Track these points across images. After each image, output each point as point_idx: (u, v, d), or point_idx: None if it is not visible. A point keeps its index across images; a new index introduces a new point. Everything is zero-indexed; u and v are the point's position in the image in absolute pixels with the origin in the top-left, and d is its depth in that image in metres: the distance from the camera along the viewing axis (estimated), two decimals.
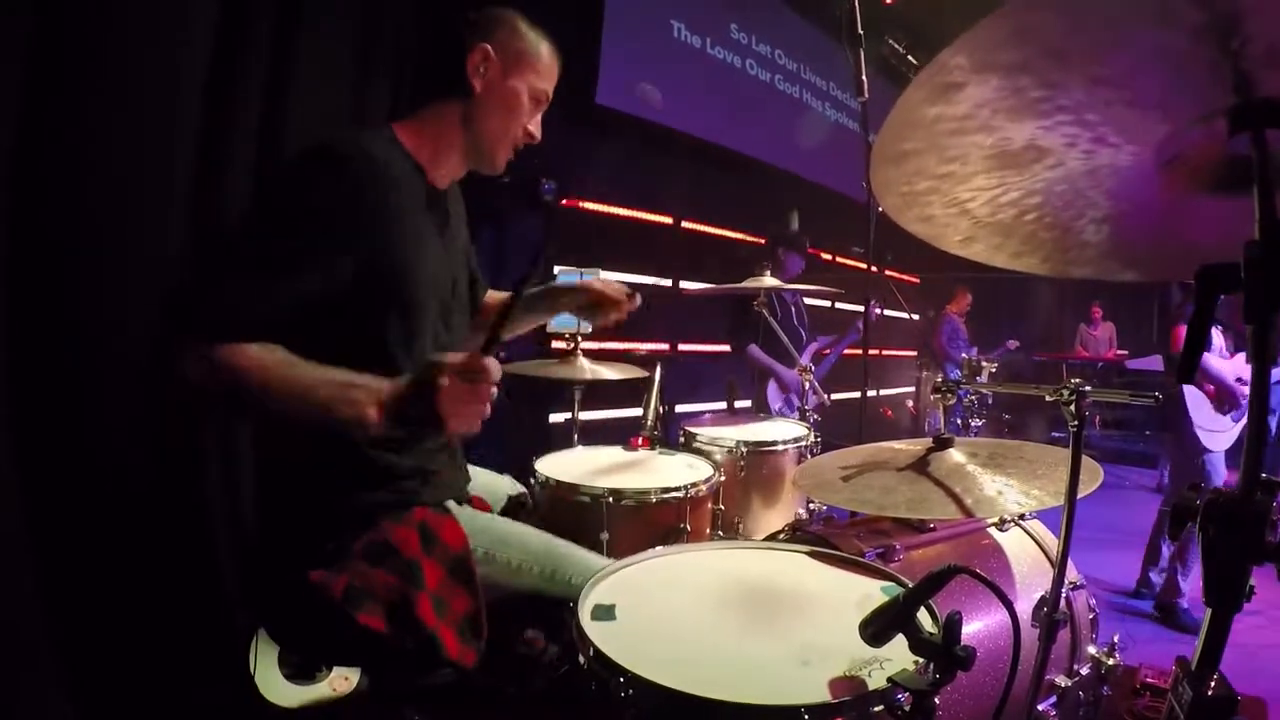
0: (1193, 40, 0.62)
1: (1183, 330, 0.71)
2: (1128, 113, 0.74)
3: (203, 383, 1.18)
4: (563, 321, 2.13)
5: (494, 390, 1.20)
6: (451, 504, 1.45)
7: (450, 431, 1.19)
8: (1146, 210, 0.92)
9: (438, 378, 1.15)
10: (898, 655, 0.95)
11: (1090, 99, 0.73)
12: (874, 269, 3.03)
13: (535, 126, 1.51)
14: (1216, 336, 3.65)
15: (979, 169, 0.89)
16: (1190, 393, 3.54)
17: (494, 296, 1.85)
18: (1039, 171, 0.87)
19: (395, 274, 1.32)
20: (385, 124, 1.44)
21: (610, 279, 1.84)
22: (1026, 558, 1.62)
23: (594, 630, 1.06)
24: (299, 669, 2.00)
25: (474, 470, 1.67)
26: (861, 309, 3.08)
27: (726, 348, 4.26)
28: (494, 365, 1.18)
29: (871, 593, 1.23)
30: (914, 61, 7.24)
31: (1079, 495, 1.19)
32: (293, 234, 1.21)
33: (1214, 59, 0.64)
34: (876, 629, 0.92)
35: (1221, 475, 3.55)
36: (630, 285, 1.79)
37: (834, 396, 2.99)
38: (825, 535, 1.58)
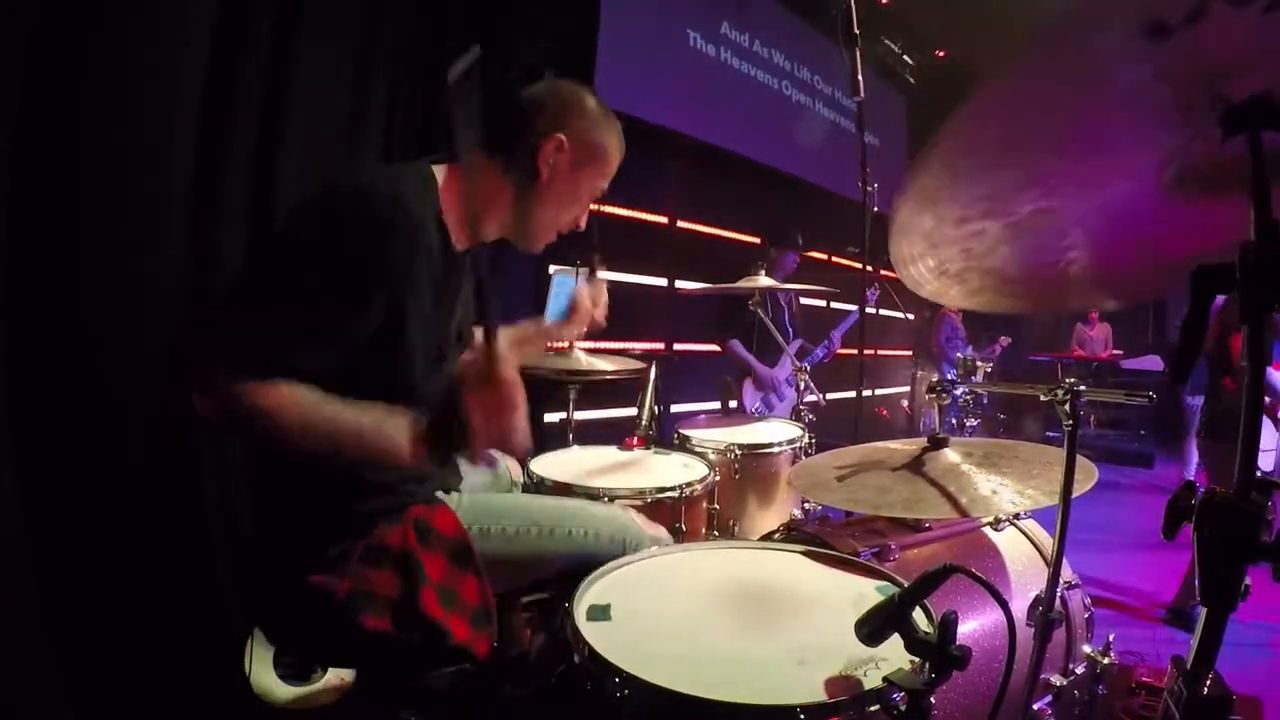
0: (1162, 72, 0.63)
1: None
2: (1134, 135, 0.75)
3: (219, 417, 1.15)
4: (557, 317, 2.13)
5: (520, 396, 1.18)
6: (439, 493, 1.45)
7: (482, 448, 1.19)
8: (1146, 227, 0.92)
9: (461, 393, 1.16)
10: (893, 655, 0.95)
11: (1081, 148, 0.73)
12: (869, 269, 3.03)
13: (584, 218, 1.48)
14: None
15: (999, 241, 0.89)
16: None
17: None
18: (1057, 224, 0.88)
19: (401, 332, 1.27)
20: (427, 164, 1.35)
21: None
22: (1021, 557, 1.62)
23: (589, 630, 1.06)
24: (294, 669, 1.99)
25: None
26: (857, 309, 3.08)
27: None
28: (511, 374, 1.17)
29: (867, 592, 1.23)
30: (910, 62, 7.26)
31: (1074, 495, 1.19)
32: (324, 276, 1.15)
33: (1188, 83, 0.65)
34: (872, 628, 0.92)
35: None
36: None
37: (829, 396, 3.00)
38: (820, 535, 1.58)
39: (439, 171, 1.34)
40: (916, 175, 0.77)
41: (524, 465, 1.96)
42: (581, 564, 1.34)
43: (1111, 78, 0.67)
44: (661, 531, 1.58)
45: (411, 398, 1.31)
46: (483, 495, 1.54)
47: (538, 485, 1.89)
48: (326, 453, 1.18)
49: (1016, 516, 1.71)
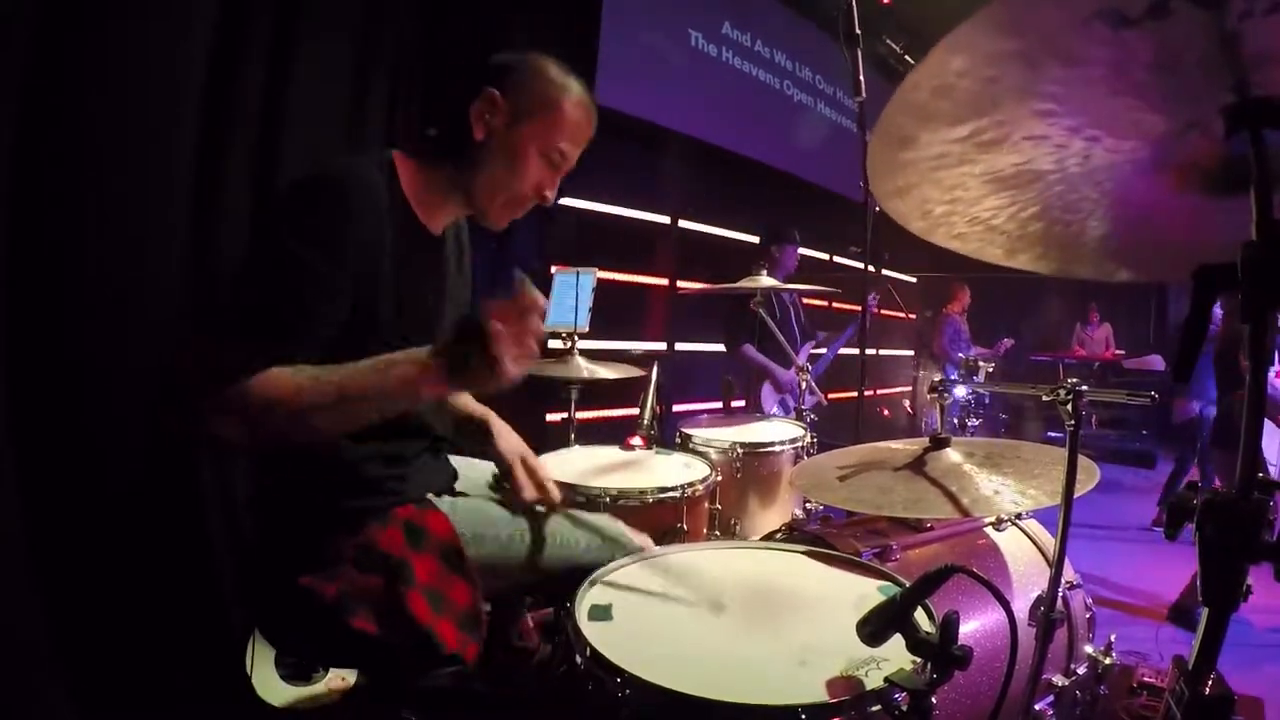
0: (1189, 38, 0.62)
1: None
2: (1123, 111, 0.75)
3: (237, 433, 1.10)
4: (558, 319, 2.14)
5: (540, 325, 1.10)
6: (431, 496, 1.44)
7: (504, 378, 1.08)
8: (1145, 210, 0.92)
9: (488, 327, 1.05)
10: (895, 655, 0.95)
11: (1076, 96, 0.73)
12: (871, 269, 3.03)
13: (551, 190, 1.39)
14: None
15: (984, 192, 0.89)
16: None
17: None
18: (1044, 184, 0.88)
19: (378, 308, 1.26)
20: (385, 150, 1.35)
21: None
22: (1023, 557, 1.62)
23: (591, 630, 1.06)
24: (296, 669, 2.00)
25: (455, 461, 1.65)
26: (859, 309, 3.08)
27: (723, 347, 4.25)
28: (538, 297, 1.09)
29: (868, 592, 1.23)
30: (911, 61, 7.25)
31: (1076, 495, 1.19)
32: (297, 268, 1.14)
33: (1211, 57, 0.65)
34: (874, 629, 0.92)
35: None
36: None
37: (831, 396, 3.00)
38: (822, 535, 1.58)
39: (399, 161, 1.34)
40: (893, 110, 0.76)
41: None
42: (572, 571, 1.34)
43: (1086, 55, 0.67)
44: (647, 541, 1.54)
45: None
46: (476, 500, 1.54)
47: None
48: (339, 423, 1.15)
49: (1018, 517, 1.71)
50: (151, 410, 1.94)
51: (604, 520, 1.54)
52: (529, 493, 1.51)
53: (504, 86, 1.31)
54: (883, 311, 4.56)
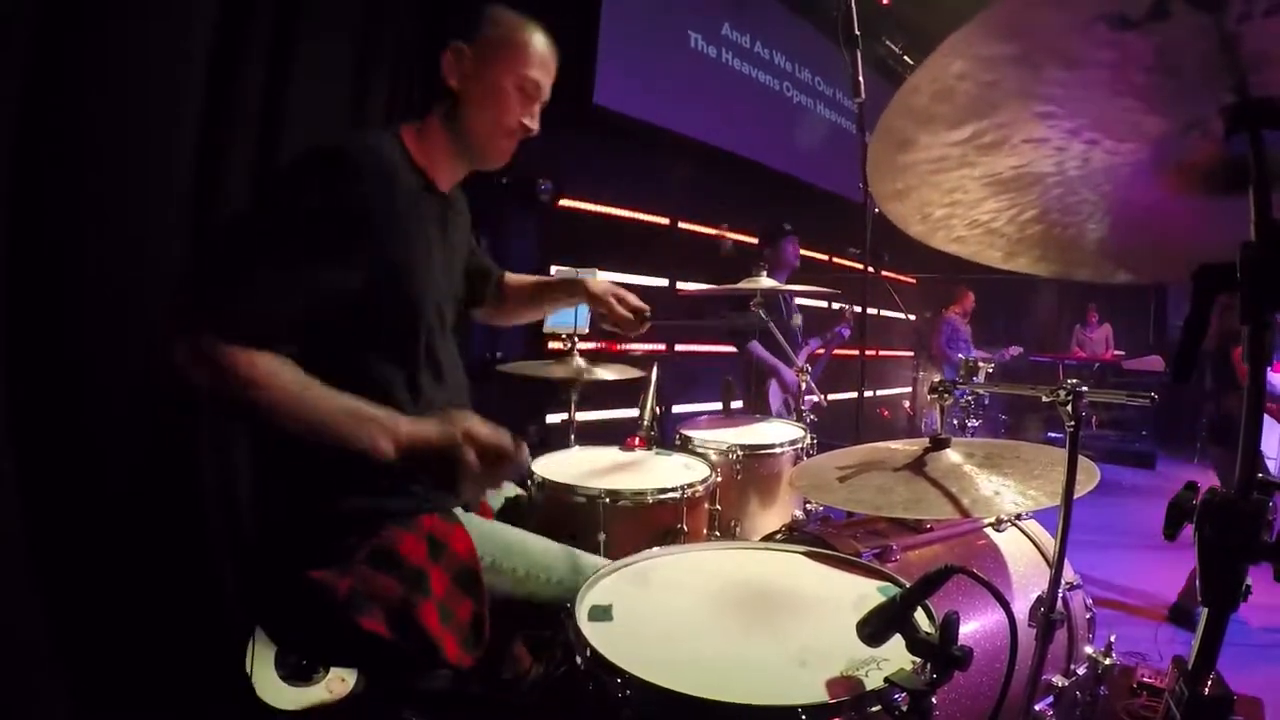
0: (1189, 40, 0.63)
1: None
2: (1122, 113, 0.75)
3: (205, 385, 1.16)
4: (559, 321, 2.14)
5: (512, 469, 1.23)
6: (459, 511, 1.45)
7: (458, 495, 1.24)
8: (1144, 212, 0.92)
9: (463, 452, 1.18)
10: (895, 655, 0.95)
11: (1076, 98, 0.73)
12: (870, 270, 3.03)
13: (532, 119, 1.47)
14: None
15: (983, 195, 0.89)
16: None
17: (515, 280, 1.90)
18: (1043, 187, 0.88)
19: (395, 278, 1.31)
20: (392, 126, 1.43)
21: (609, 280, 1.86)
22: (1023, 558, 1.62)
23: (591, 631, 1.06)
24: (296, 670, 1.99)
25: None
26: (859, 309, 3.08)
27: (723, 348, 4.25)
28: (522, 453, 1.22)
29: (868, 593, 1.23)
30: (910, 62, 7.25)
31: (1076, 495, 1.19)
32: (305, 233, 1.20)
33: (1211, 58, 0.65)
34: (874, 629, 0.92)
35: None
36: (626, 285, 1.80)
37: (830, 397, 2.99)
38: (822, 535, 1.57)
39: (405, 133, 1.43)
40: (893, 113, 0.77)
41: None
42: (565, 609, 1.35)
43: (1085, 57, 0.67)
44: None
45: (422, 356, 1.38)
46: (500, 526, 1.53)
47: (539, 486, 1.89)
48: (302, 433, 1.19)
49: (1018, 517, 1.71)
50: (155, 401, 1.94)
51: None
52: (627, 320, 1.84)
53: (468, 37, 1.41)
54: (882, 313, 4.56)
